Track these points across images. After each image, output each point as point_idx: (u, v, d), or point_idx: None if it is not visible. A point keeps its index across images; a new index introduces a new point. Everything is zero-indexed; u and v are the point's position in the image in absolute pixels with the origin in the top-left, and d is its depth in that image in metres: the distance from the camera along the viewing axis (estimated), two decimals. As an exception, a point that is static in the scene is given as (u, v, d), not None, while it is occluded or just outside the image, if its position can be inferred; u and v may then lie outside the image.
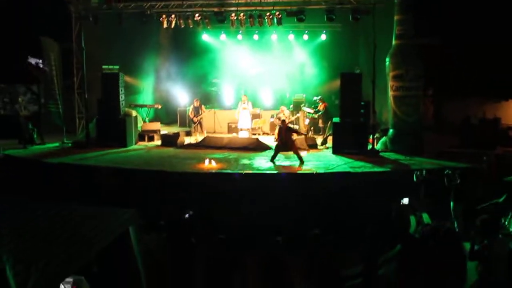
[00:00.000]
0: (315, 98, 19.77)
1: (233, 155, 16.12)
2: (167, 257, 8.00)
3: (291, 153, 14.93)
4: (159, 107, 21.70)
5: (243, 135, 19.35)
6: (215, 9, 17.89)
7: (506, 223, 10.38)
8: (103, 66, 19.62)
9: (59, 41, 19.36)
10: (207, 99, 22.81)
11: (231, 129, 20.55)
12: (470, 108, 18.89)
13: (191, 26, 18.94)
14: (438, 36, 18.73)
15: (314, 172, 13.52)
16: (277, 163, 14.68)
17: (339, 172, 13.63)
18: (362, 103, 16.36)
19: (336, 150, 16.13)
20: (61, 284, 5.53)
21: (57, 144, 18.12)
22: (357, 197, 12.25)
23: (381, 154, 15.96)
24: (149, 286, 6.68)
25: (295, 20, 17.74)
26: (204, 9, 18.10)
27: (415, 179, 11.80)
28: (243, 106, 19.29)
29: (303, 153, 15.36)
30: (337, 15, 17.45)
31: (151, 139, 18.80)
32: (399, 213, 10.32)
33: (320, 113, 18.81)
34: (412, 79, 16.14)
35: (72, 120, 19.96)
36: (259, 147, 17.11)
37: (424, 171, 12.10)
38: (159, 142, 18.43)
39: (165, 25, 18.62)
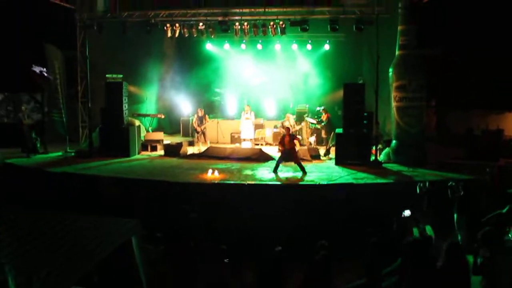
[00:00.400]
0: (318, 108, 19.78)
1: (236, 165, 16.08)
2: (168, 268, 7.99)
3: (293, 163, 14.91)
4: (162, 116, 21.74)
5: (246, 145, 19.33)
6: (219, 18, 17.95)
7: (510, 235, 10.31)
8: (107, 75, 19.66)
9: (63, 49, 19.44)
10: (210, 109, 22.82)
11: (234, 139, 20.54)
12: (473, 119, 18.88)
13: (195, 35, 18.99)
14: (441, 47, 18.76)
15: (317, 183, 13.48)
16: (280, 174, 14.64)
17: (342, 183, 13.58)
18: (365, 113, 16.35)
19: (339, 161, 16.09)
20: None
21: (60, 153, 18.13)
22: (359, 208, 12.21)
23: (384, 165, 15.91)
24: (150, 297, 6.66)
25: (299, 29, 17.78)
26: (208, 18, 18.18)
27: (418, 190, 11.73)
28: (246, 116, 19.30)
29: (306, 164, 15.34)
30: (341, 25, 17.48)
31: (154, 149, 18.82)
32: (401, 225, 10.25)
33: (323, 123, 18.82)
34: (415, 89, 16.13)
35: (75, 129, 19.98)
36: (262, 157, 17.07)
37: (427, 183, 12.02)
38: (162, 152, 18.41)
39: (169, 34, 18.70)
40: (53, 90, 19.05)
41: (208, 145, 18.87)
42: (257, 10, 17.60)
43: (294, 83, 23.54)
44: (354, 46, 21.66)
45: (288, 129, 15.42)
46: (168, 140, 19.69)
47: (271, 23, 17.72)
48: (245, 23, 17.94)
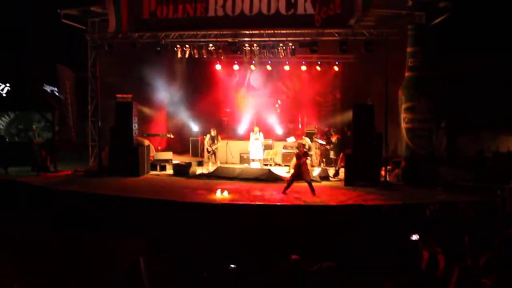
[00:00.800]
0: (327, 129, 19.76)
1: (244, 186, 16.06)
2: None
3: (303, 184, 14.85)
4: (172, 136, 21.78)
5: (255, 166, 19.31)
6: (229, 40, 18.04)
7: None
8: (117, 95, 19.77)
9: (75, 69, 19.60)
10: (219, 129, 22.86)
11: (243, 159, 20.53)
12: (484, 140, 18.80)
13: (205, 56, 19.10)
14: (449, 68, 18.75)
15: (326, 204, 13.42)
16: (289, 195, 14.58)
17: (351, 204, 13.50)
18: (375, 135, 16.31)
19: (349, 182, 16.05)
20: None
21: (69, 172, 18.20)
22: (368, 230, 12.12)
23: (393, 186, 15.84)
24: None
25: (309, 50, 17.82)
26: (218, 39, 18.27)
27: (428, 212, 11.65)
28: (255, 136, 19.31)
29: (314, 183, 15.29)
30: (350, 46, 17.52)
31: (163, 168, 18.85)
32: (409, 249, 10.17)
33: (332, 144, 18.78)
34: (424, 111, 16.08)
35: (85, 148, 20.08)
36: (271, 178, 17.03)
37: (437, 205, 11.96)
38: (171, 172, 18.43)
39: (179, 55, 18.81)
40: (64, 109, 19.20)
41: (218, 165, 18.87)
42: (267, 31, 17.69)
43: (303, 103, 23.60)
44: (363, 67, 21.70)
45: (303, 145, 15.39)
46: (177, 159, 19.71)
47: (281, 44, 17.80)
48: (255, 44, 18.04)
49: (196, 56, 19.01)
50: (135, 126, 17.92)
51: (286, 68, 21.93)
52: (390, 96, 16.33)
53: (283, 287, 8.42)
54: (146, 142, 19.13)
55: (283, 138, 21.68)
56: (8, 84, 21.46)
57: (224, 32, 17.95)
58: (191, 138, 22.58)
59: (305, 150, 15.03)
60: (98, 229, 11.90)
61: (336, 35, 17.28)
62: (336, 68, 22.62)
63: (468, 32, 19.98)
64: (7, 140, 20.87)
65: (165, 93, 22.95)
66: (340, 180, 16.99)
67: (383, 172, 16.37)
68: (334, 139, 18.84)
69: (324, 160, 19.19)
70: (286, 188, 14.75)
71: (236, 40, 18.02)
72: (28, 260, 5.12)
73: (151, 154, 19.21)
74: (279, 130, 22.80)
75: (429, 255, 9.51)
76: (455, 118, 19.49)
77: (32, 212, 13.80)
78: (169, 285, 8.08)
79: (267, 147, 20.10)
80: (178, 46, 18.52)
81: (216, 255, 10.71)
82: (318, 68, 22.19)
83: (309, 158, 15.08)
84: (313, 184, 15.02)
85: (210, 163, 19.01)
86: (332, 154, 19.06)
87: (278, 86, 24.04)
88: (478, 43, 19.89)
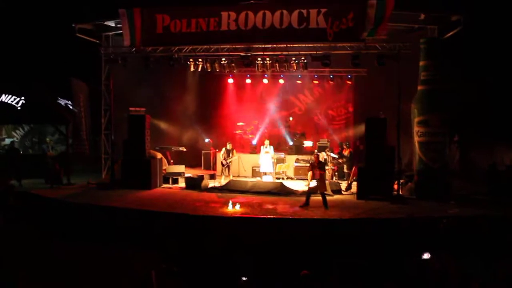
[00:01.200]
0: (340, 142, 19.75)
1: (256, 199, 16.04)
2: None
3: (316, 197, 14.81)
4: (184, 149, 21.84)
5: (267, 179, 19.31)
6: (242, 54, 18.09)
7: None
8: (130, 108, 19.89)
9: (88, 82, 19.76)
10: (232, 142, 22.90)
11: (255, 172, 20.53)
12: (497, 153, 18.69)
13: (217, 70, 19.18)
14: (462, 82, 18.72)
15: (339, 219, 13.37)
16: (301, 208, 14.53)
17: (363, 218, 13.44)
18: (388, 148, 16.26)
19: (361, 196, 16.00)
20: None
21: (82, 185, 18.30)
22: (381, 244, 12.05)
23: (406, 200, 15.75)
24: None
25: (321, 64, 17.83)
26: (231, 53, 18.34)
27: (441, 226, 11.60)
28: (265, 150, 19.35)
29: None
30: (363, 60, 17.52)
31: (175, 181, 18.91)
32: (420, 267, 10.11)
33: (345, 158, 18.75)
34: (437, 124, 16.06)
35: (98, 161, 20.19)
36: (283, 191, 17.01)
37: (450, 219, 11.90)
38: (183, 185, 18.47)
39: (192, 69, 18.89)
40: (77, 122, 19.35)
41: (231, 178, 18.90)
42: (279, 45, 17.73)
43: (315, 117, 23.65)
44: (376, 81, 21.66)
45: (317, 156, 15.37)
46: (189, 173, 19.74)
47: (293, 58, 17.84)
48: (267, 58, 18.09)
49: (209, 70, 19.09)
50: (147, 139, 18.00)
51: (299, 81, 21.94)
52: (403, 109, 16.30)
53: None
54: (159, 155, 19.20)
55: (295, 152, 21.66)
56: (23, 97, 21.63)
57: (237, 46, 18.02)
58: (203, 152, 22.63)
59: (322, 160, 14.98)
60: (111, 242, 11.95)
61: (349, 48, 17.30)
62: (348, 82, 22.65)
63: (482, 46, 19.96)
64: (21, 152, 21.06)
65: (178, 107, 23.04)
66: (352, 193, 16.95)
67: (395, 186, 16.30)
68: (346, 152, 18.82)
69: (336, 174, 19.15)
70: (306, 203, 14.73)
71: (249, 54, 18.07)
72: (39, 271, 5.16)
73: (164, 167, 19.29)
74: (291, 144, 22.78)
75: (441, 269, 9.45)
76: (468, 131, 19.39)
77: (46, 224, 13.91)
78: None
79: (279, 161, 20.10)
80: (191, 60, 18.60)
81: (228, 268, 10.70)
82: (330, 81, 22.20)
83: (326, 171, 15.04)
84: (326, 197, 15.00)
85: (223, 176, 19.05)
86: (344, 168, 19.03)
87: (291, 100, 24.07)
88: (492, 57, 19.85)
